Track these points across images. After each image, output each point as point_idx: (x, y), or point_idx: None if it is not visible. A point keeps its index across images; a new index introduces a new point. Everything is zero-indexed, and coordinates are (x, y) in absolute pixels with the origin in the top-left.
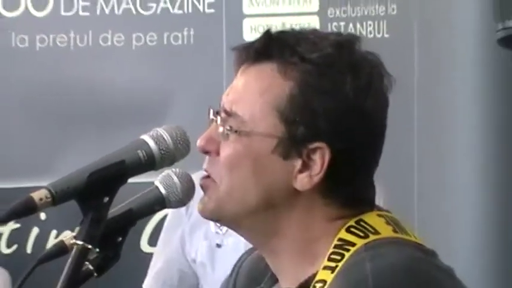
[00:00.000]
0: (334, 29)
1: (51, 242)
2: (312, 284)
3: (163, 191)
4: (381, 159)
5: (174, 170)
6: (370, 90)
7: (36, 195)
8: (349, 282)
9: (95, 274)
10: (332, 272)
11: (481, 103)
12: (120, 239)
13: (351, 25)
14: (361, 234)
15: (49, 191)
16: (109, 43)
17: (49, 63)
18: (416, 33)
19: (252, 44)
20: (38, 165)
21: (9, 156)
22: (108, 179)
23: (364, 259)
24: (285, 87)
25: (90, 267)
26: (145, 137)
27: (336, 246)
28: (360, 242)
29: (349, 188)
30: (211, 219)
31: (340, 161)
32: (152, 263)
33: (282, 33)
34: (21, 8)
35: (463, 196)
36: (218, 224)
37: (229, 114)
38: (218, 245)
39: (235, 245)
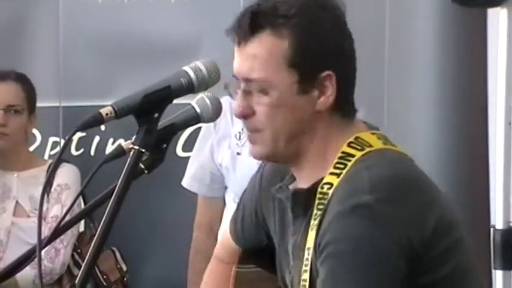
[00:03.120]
0: None
1: (109, 147)
2: (321, 184)
3: (198, 110)
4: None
5: (206, 94)
6: (340, 26)
7: (104, 111)
8: (350, 186)
9: (146, 171)
10: (337, 177)
11: (437, 38)
12: (165, 145)
13: None
14: (359, 147)
15: (113, 108)
16: None
17: (109, 12)
18: None
19: (241, 23)
20: (102, 89)
21: (82, 83)
22: (158, 99)
23: (362, 168)
24: (284, 43)
25: (142, 166)
26: (187, 68)
27: (340, 158)
28: (358, 154)
29: (348, 103)
30: (265, 160)
31: (341, 84)
32: (188, 167)
33: (259, 7)
34: None
35: (425, 111)
36: (238, 137)
37: (250, 81)
38: (238, 153)
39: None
